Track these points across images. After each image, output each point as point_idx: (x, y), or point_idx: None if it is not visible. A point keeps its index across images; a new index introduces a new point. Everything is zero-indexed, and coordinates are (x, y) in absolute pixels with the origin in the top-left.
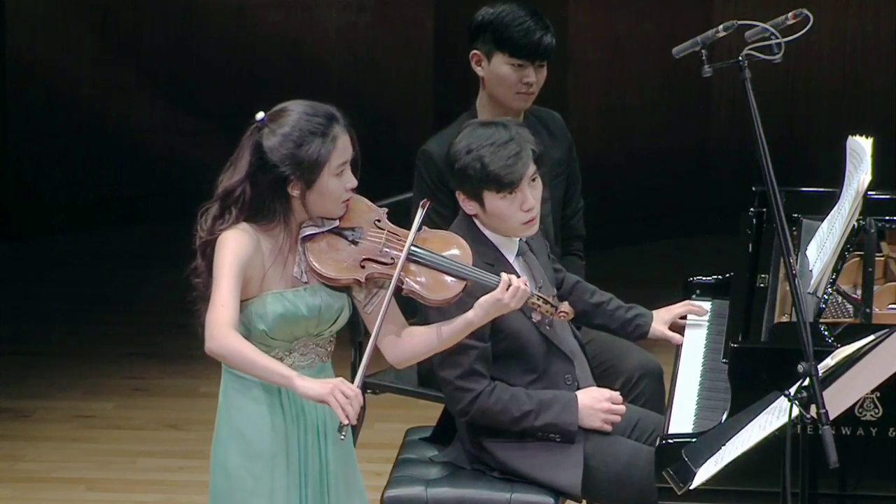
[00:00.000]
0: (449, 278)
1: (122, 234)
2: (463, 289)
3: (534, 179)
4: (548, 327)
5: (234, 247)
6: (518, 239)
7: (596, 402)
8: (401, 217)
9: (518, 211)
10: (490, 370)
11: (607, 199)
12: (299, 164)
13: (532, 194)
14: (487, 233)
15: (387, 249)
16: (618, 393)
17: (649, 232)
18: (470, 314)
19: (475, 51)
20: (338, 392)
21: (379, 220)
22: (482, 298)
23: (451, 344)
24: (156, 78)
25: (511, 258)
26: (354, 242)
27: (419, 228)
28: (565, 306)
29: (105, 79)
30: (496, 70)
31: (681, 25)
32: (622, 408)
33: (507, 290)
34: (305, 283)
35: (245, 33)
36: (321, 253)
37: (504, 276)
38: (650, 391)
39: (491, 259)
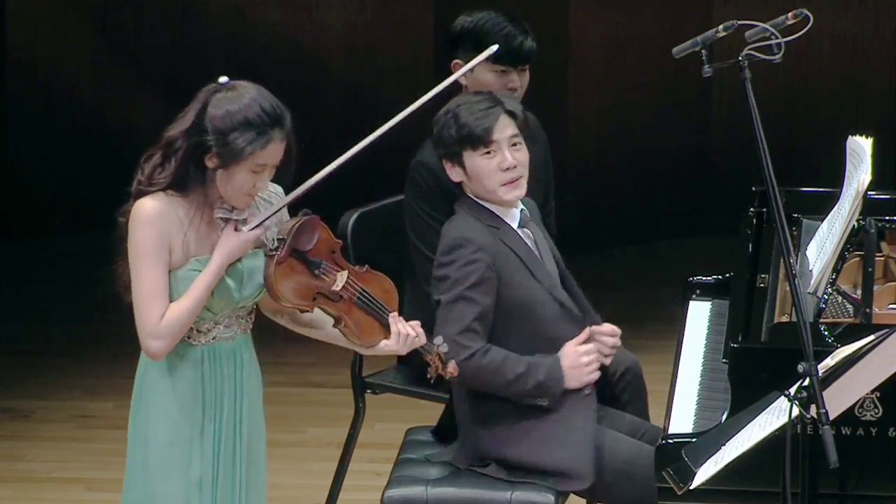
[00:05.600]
0: (377, 324)
1: None
2: (383, 335)
3: (514, 144)
4: (430, 380)
5: (150, 230)
6: (518, 210)
7: (575, 362)
8: (396, 218)
9: (497, 171)
10: (487, 334)
11: (607, 199)
12: (225, 145)
13: (513, 155)
14: (485, 203)
15: (338, 289)
16: (609, 327)
17: (649, 232)
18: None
19: (456, 60)
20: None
21: (334, 252)
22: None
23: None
24: (156, 78)
25: (514, 225)
26: (315, 276)
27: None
28: (452, 366)
29: (105, 79)
30: (480, 78)
31: (681, 25)
32: (605, 348)
33: (398, 339)
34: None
35: (245, 33)
36: (285, 276)
37: (395, 327)
38: (633, 387)
39: (494, 223)
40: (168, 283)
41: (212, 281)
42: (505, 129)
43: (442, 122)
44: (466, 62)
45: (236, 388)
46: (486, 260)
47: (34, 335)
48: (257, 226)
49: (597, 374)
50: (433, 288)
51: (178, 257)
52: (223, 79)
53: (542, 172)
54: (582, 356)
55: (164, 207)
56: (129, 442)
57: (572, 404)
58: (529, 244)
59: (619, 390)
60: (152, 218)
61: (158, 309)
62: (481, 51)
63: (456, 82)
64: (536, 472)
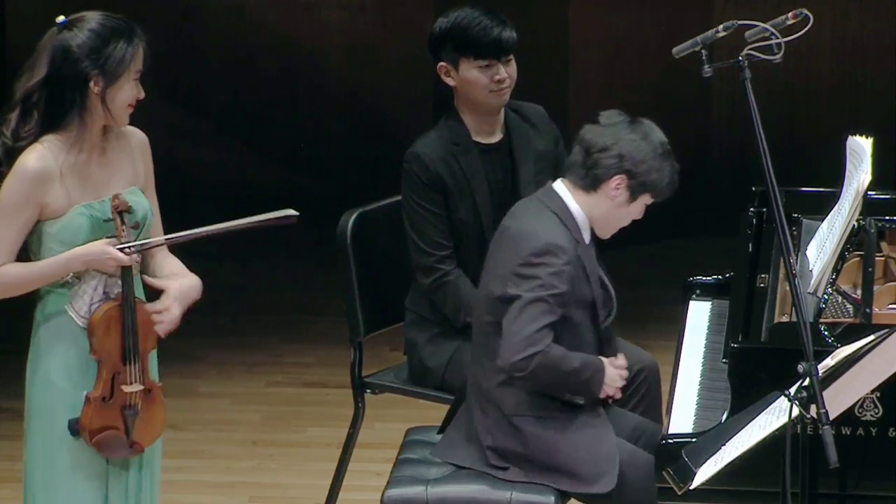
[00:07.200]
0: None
1: None
2: None
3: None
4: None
5: (21, 188)
6: (591, 230)
7: (613, 374)
8: (397, 217)
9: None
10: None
11: None
12: (107, 60)
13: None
14: (575, 210)
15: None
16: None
17: (649, 232)
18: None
19: (441, 63)
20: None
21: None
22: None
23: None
24: (156, 78)
25: (586, 238)
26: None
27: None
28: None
29: None
30: (466, 76)
31: (681, 25)
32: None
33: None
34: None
35: (245, 33)
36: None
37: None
38: (647, 387)
39: (578, 236)
40: (16, 241)
41: (58, 271)
42: None
43: None
44: (450, 64)
45: None
46: (571, 274)
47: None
48: (128, 250)
49: (618, 394)
50: (511, 283)
51: (60, 206)
52: (60, 19)
53: (548, 161)
54: (619, 372)
55: (46, 162)
56: (28, 383)
57: (594, 415)
58: (592, 262)
59: (632, 389)
60: (28, 177)
61: None
62: (462, 48)
63: (444, 83)
64: (559, 472)
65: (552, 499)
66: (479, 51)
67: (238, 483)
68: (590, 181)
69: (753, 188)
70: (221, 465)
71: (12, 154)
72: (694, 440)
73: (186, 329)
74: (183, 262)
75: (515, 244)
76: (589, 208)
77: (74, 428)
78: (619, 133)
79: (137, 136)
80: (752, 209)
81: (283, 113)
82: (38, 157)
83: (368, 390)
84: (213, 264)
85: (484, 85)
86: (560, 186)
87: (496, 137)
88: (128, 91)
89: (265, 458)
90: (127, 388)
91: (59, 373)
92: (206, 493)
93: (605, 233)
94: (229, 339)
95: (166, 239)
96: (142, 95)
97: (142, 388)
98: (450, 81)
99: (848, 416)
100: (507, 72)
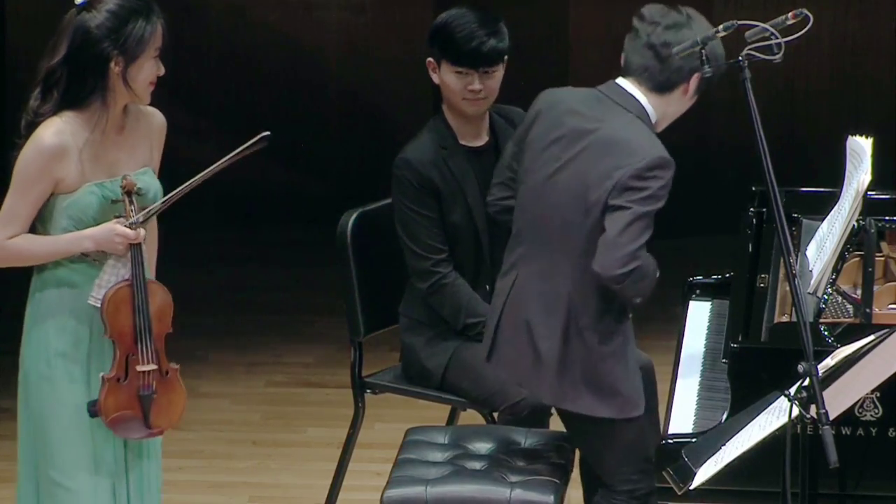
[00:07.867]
0: None
1: None
2: None
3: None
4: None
5: (38, 163)
6: None
7: None
8: (388, 219)
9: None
10: None
11: None
12: (126, 40)
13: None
14: (651, 112)
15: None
16: None
17: None
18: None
19: (430, 59)
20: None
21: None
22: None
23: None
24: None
25: None
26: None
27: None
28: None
29: None
30: (444, 78)
31: None
32: None
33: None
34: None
35: (245, 33)
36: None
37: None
38: (644, 386)
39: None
40: (30, 213)
41: (68, 248)
42: None
43: None
44: (436, 61)
45: None
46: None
47: None
48: (135, 226)
49: None
50: (615, 193)
51: (74, 181)
52: (79, 0)
53: None
54: None
55: (63, 137)
56: (23, 353)
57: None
58: None
59: None
60: (44, 150)
61: (8, 230)
62: (443, 50)
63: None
64: (613, 392)
65: (552, 497)
66: (457, 58)
67: (238, 483)
68: (668, 84)
69: (753, 188)
70: (221, 465)
71: (33, 129)
72: (694, 440)
73: (186, 329)
74: (182, 262)
75: (610, 151)
76: (660, 108)
77: (92, 410)
78: (694, 33)
79: (158, 119)
80: (752, 209)
81: (283, 113)
82: (55, 131)
83: (368, 390)
84: (213, 264)
85: (458, 91)
86: (632, 87)
87: (482, 140)
88: (148, 69)
89: (265, 458)
90: (140, 368)
91: (56, 338)
92: (206, 493)
93: (661, 129)
94: (229, 339)
95: (163, 202)
96: (162, 72)
97: (155, 367)
98: (434, 78)
99: (848, 416)
100: (484, 83)
